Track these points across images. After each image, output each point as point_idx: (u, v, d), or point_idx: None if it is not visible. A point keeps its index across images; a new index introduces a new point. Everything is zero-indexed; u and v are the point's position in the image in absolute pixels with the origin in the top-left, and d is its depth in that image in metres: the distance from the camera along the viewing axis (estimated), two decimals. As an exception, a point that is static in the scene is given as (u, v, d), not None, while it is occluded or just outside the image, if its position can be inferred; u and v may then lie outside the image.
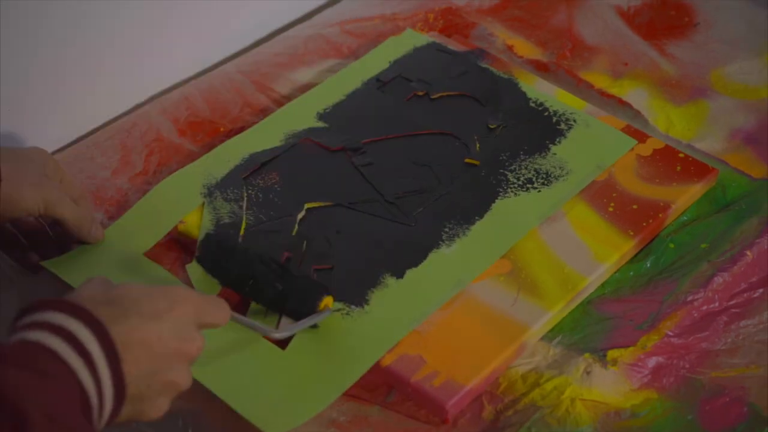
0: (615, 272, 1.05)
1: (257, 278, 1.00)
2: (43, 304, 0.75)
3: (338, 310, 0.99)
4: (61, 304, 0.75)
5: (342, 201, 1.09)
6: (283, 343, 0.97)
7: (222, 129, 1.19)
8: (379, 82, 1.21)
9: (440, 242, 1.05)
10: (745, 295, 1.04)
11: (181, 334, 0.80)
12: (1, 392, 0.67)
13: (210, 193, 1.09)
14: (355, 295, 1.00)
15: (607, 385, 0.96)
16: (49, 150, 1.11)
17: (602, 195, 1.10)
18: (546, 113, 1.18)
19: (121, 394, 0.76)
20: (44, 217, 1.01)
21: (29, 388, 0.69)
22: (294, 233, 1.05)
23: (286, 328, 0.96)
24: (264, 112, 1.21)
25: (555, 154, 1.13)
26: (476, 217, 1.07)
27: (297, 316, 0.97)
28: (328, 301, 0.98)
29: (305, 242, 1.04)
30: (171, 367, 0.80)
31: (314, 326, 0.98)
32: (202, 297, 0.84)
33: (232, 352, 0.96)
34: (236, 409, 0.92)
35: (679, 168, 1.12)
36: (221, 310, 0.85)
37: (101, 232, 1.04)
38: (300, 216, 1.07)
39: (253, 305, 1.00)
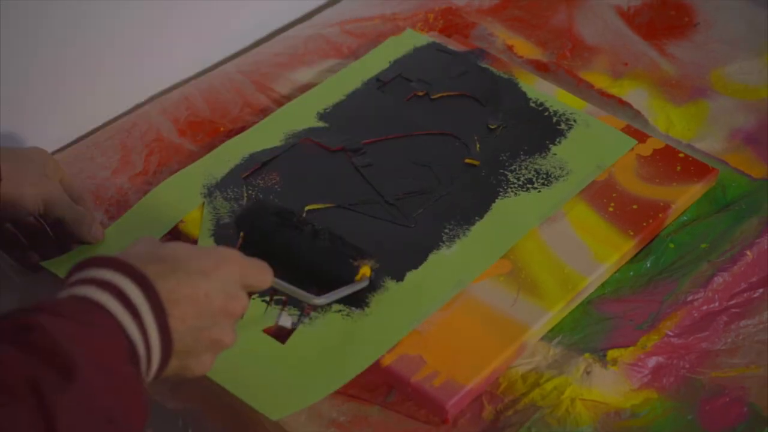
0: (615, 272, 1.05)
1: (298, 244, 1.00)
2: (92, 262, 0.76)
3: (338, 311, 0.99)
4: (110, 261, 0.76)
5: (342, 202, 1.08)
6: (282, 339, 0.97)
7: (222, 129, 1.19)
8: (379, 82, 1.21)
9: (440, 243, 1.05)
10: (745, 295, 1.04)
11: (227, 292, 0.81)
12: (51, 340, 0.68)
13: (210, 193, 1.09)
14: (356, 296, 1.00)
15: (607, 385, 0.96)
16: (49, 150, 1.11)
17: (602, 195, 1.10)
18: (546, 113, 1.18)
19: (168, 347, 0.77)
20: (44, 216, 1.01)
21: (77, 338, 0.70)
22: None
23: (327, 295, 0.96)
24: (264, 112, 1.21)
25: (555, 154, 1.13)
26: (476, 218, 1.07)
27: (335, 286, 0.97)
28: (365, 270, 0.99)
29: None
30: (216, 323, 0.81)
31: (355, 301, 0.99)
32: (247, 259, 0.85)
33: (233, 349, 0.96)
34: (236, 395, 0.92)
35: (679, 168, 1.12)
36: (265, 273, 0.86)
37: (101, 231, 1.04)
38: (300, 216, 1.07)
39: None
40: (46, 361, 0.67)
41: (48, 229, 1.03)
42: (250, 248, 0.97)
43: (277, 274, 0.89)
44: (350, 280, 0.99)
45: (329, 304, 0.98)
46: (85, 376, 0.68)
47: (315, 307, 0.98)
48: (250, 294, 0.86)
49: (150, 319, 0.75)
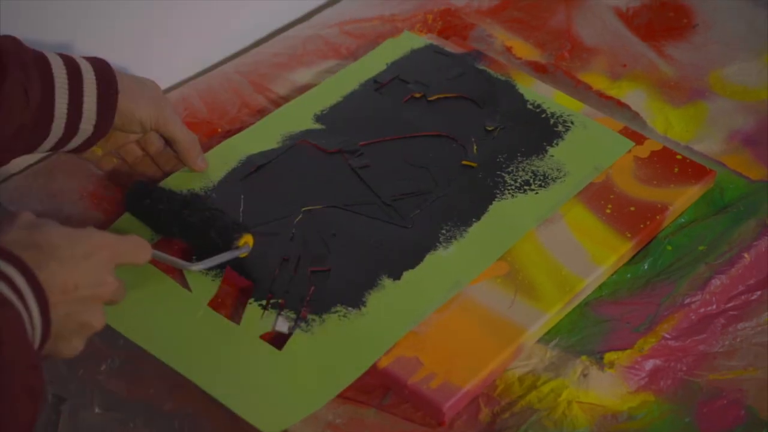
0: (612, 274, 1.05)
1: (181, 217, 1.03)
2: None
3: (335, 312, 0.99)
4: None
5: (339, 203, 1.08)
6: (279, 344, 0.97)
7: (219, 130, 1.19)
8: (376, 84, 1.21)
9: (437, 244, 1.05)
10: (742, 297, 1.04)
11: (95, 279, 0.84)
12: None
13: (207, 195, 1.09)
14: (352, 297, 1.00)
15: (604, 387, 0.96)
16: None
17: (600, 197, 1.10)
18: (543, 115, 1.18)
19: (47, 332, 0.81)
20: (156, 132, 1.06)
21: None
22: (291, 235, 1.05)
23: (203, 262, 0.99)
24: (262, 113, 1.21)
25: (552, 156, 1.13)
26: (473, 219, 1.07)
27: (217, 252, 1.00)
28: (247, 239, 1.01)
29: (302, 244, 1.04)
30: (85, 309, 0.84)
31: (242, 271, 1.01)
32: (120, 239, 0.88)
33: (227, 354, 0.97)
34: (231, 408, 0.92)
35: (676, 170, 1.12)
36: (141, 250, 0.90)
37: (206, 163, 1.09)
38: (297, 218, 1.07)
39: None
40: None
41: (151, 157, 1.09)
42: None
43: (161, 248, 0.96)
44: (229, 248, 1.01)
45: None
46: (4, 350, 0.73)
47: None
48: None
49: (33, 304, 0.79)
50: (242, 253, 1.01)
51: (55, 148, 1.02)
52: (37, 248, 0.81)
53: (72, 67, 0.99)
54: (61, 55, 1.00)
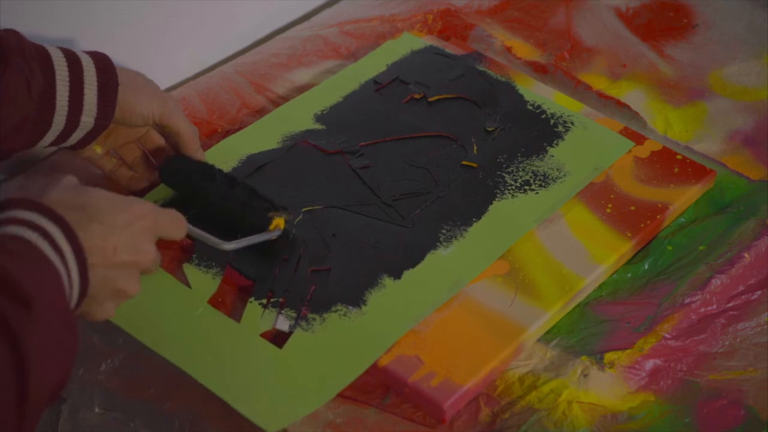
0: (612, 274, 1.05)
1: (215, 194, 1.04)
2: (19, 203, 0.80)
3: (336, 310, 0.99)
4: (36, 205, 0.80)
5: (339, 203, 1.09)
6: (279, 343, 0.97)
7: (219, 130, 1.19)
8: (376, 84, 1.21)
9: (437, 244, 1.05)
10: (742, 297, 1.04)
11: (135, 247, 0.86)
12: (8, 276, 0.74)
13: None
14: (353, 296, 1.00)
15: (604, 387, 0.96)
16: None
17: (600, 197, 1.10)
18: (543, 116, 1.18)
19: (84, 291, 0.82)
20: (158, 126, 1.06)
21: (27, 273, 0.76)
22: (291, 236, 1.05)
23: (237, 241, 1.00)
24: (261, 113, 1.21)
25: (552, 156, 1.13)
26: (473, 219, 1.07)
27: (249, 233, 1.02)
28: (279, 222, 1.02)
29: (303, 244, 1.04)
30: (121, 274, 0.86)
31: (273, 250, 1.03)
32: (160, 211, 0.90)
33: (228, 351, 0.97)
34: (232, 405, 0.92)
35: (676, 170, 1.12)
36: (178, 224, 0.92)
37: (203, 154, 1.09)
38: (297, 219, 1.07)
39: None
40: (8, 296, 0.73)
41: (149, 155, 1.09)
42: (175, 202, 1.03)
43: (195, 224, 0.96)
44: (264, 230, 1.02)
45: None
46: (38, 306, 0.74)
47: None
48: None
49: (73, 263, 0.81)
50: (273, 236, 1.02)
51: (56, 142, 1.02)
52: (81, 209, 0.83)
53: (72, 60, 1.00)
54: (61, 49, 1.00)
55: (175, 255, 1.05)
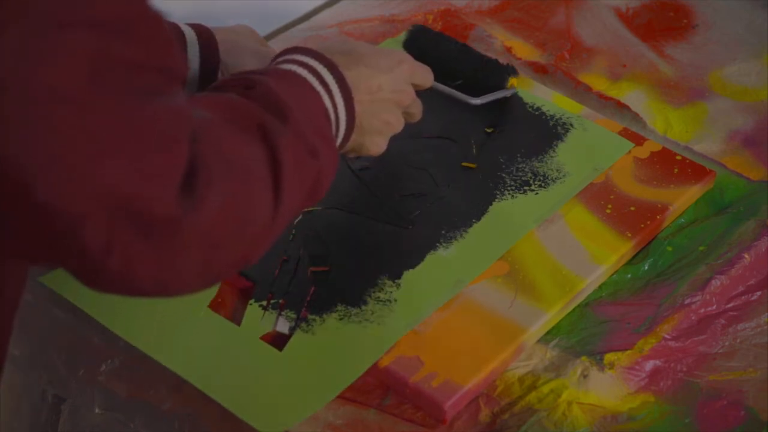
0: (612, 274, 1.05)
1: (461, 57, 1.19)
2: (294, 50, 0.92)
3: (336, 311, 0.99)
4: (307, 50, 0.92)
5: (339, 204, 1.09)
6: (280, 345, 0.97)
7: (220, 130, 1.19)
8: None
9: (437, 244, 1.05)
10: (742, 298, 1.04)
11: (396, 85, 0.98)
12: (270, 91, 0.83)
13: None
14: (353, 297, 1.00)
15: (604, 388, 0.96)
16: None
17: (600, 197, 1.10)
18: (543, 117, 1.18)
19: (351, 122, 0.93)
20: None
21: (288, 92, 0.85)
22: (291, 236, 1.05)
23: (482, 97, 1.16)
24: (262, 114, 1.20)
25: (552, 157, 1.13)
26: (473, 220, 1.07)
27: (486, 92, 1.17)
28: (513, 81, 1.18)
29: (303, 245, 1.04)
30: (387, 109, 0.98)
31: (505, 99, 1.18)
32: (415, 62, 1.02)
33: (228, 355, 0.97)
34: (231, 410, 0.92)
35: (676, 170, 1.12)
36: (429, 74, 1.04)
37: None
38: (297, 219, 1.07)
39: None
40: (268, 108, 0.81)
41: None
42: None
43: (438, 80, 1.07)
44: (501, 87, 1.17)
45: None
46: (296, 119, 0.82)
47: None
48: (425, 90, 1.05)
49: (339, 97, 0.91)
50: (511, 93, 1.18)
51: None
52: (348, 54, 0.95)
53: (177, 34, 1.02)
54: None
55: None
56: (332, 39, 1.05)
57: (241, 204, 0.75)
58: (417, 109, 1.04)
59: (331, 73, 0.91)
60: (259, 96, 0.82)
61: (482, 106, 1.17)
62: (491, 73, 1.18)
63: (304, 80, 0.89)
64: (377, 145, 0.99)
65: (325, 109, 0.89)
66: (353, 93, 0.92)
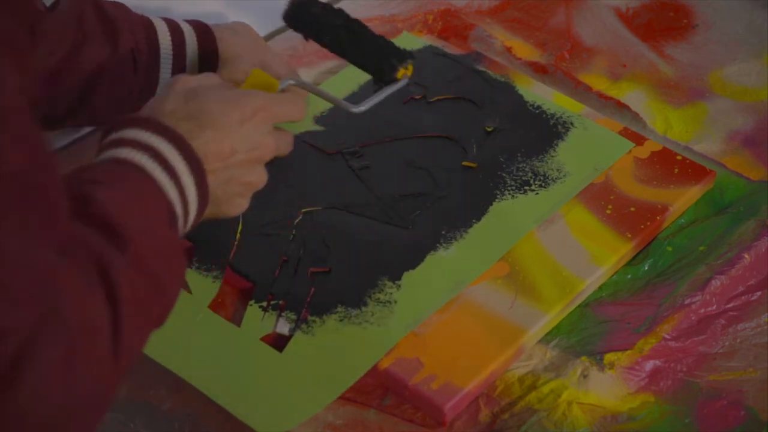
0: (613, 275, 1.05)
1: (350, 34, 1.01)
2: (129, 122, 0.80)
3: (336, 312, 0.99)
4: (145, 121, 0.80)
5: (339, 204, 1.08)
6: (280, 347, 0.97)
7: (220, 131, 1.19)
8: (376, 85, 1.21)
9: (437, 245, 1.05)
10: (742, 298, 1.04)
11: (253, 143, 0.86)
12: (102, 211, 0.72)
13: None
14: (353, 297, 1.00)
15: (604, 388, 0.96)
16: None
17: (600, 197, 1.10)
18: (543, 116, 1.18)
19: (204, 201, 0.82)
20: None
21: (126, 207, 0.74)
22: (291, 237, 1.05)
23: (365, 102, 0.98)
24: (262, 114, 1.20)
25: (552, 156, 1.13)
26: (473, 220, 1.07)
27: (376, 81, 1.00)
28: (408, 69, 0.99)
29: (303, 245, 1.04)
30: (245, 172, 0.87)
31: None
32: (274, 99, 0.89)
33: (228, 357, 0.96)
34: (231, 411, 0.92)
35: (676, 170, 1.12)
36: (296, 106, 0.91)
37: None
38: (297, 220, 1.07)
39: None
40: (105, 234, 0.71)
41: None
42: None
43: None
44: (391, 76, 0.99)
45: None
46: (136, 245, 0.72)
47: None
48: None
49: (187, 178, 0.80)
50: (400, 86, 1.00)
51: None
52: (193, 118, 0.83)
53: (175, 31, 1.01)
54: (164, 19, 1.00)
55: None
56: (173, 93, 0.85)
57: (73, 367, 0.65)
58: (285, 148, 0.92)
59: (177, 149, 0.80)
60: (94, 218, 0.72)
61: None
62: (385, 59, 1.00)
63: (143, 173, 0.78)
64: (237, 207, 0.89)
65: (171, 213, 0.79)
66: (204, 164, 0.82)
